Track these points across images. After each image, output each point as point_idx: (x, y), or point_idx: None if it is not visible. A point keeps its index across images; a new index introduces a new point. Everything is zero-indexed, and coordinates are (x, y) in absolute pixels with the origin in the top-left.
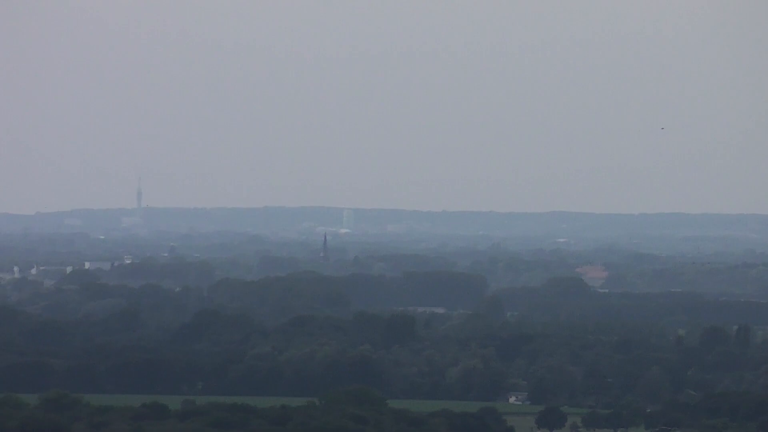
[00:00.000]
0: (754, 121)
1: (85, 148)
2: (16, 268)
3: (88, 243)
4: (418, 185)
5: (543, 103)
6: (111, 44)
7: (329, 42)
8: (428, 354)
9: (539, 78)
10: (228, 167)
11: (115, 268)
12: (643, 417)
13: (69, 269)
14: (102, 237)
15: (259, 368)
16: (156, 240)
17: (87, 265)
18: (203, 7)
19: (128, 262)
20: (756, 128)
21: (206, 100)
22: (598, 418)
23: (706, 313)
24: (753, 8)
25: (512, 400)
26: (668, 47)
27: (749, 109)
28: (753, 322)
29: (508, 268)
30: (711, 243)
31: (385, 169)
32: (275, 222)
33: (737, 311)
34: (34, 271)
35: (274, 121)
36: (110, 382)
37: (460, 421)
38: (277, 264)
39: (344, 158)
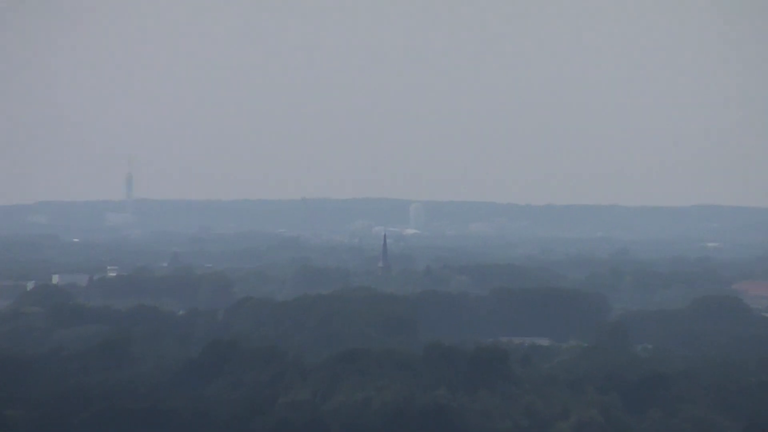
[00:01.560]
0: None
1: (54, 119)
2: None
3: (59, 248)
4: (513, 170)
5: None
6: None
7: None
8: (528, 402)
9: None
10: (253, 146)
11: (96, 284)
12: None
13: (30, 285)
14: (77, 240)
15: (295, 421)
16: (153, 244)
17: (56, 278)
18: None
19: (114, 274)
20: None
21: (220, 54)
22: None
23: None
24: None
25: None
26: None
27: None
28: None
29: (638, 283)
30: None
31: (468, 148)
32: (318, 220)
33: None
34: None
35: (314, 86)
36: None
37: None
38: (319, 277)
39: (411, 136)
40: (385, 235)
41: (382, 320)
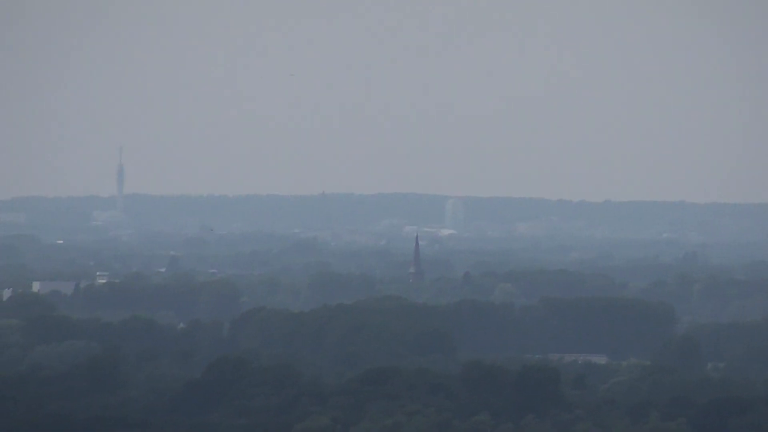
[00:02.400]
0: None
1: (33, 104)
2: None
3: (39, 251)
4: (566, 163)
5: None
6: None
7: None
8: (582, 429)
9: None
10: (262, 133)
11: (83, 292)
12: None
13: (7, 293)
14: (60, 241)
15: None
16: (147, 246)
17: (36, 286)
18: None
19: (103, 281)
20: None
21: (224, 32)
22: None
23: None
24: None
25: None
26: None
27: None
28: None
29: (710, 292)
30: None
31: (513, 136)
32: (339, 218)
33: None
34: None
35: (335, 66)
36: None
37: None
38: (340, 285)
39: (447, 121)
40: (417, 237)
41: (413, 335)
